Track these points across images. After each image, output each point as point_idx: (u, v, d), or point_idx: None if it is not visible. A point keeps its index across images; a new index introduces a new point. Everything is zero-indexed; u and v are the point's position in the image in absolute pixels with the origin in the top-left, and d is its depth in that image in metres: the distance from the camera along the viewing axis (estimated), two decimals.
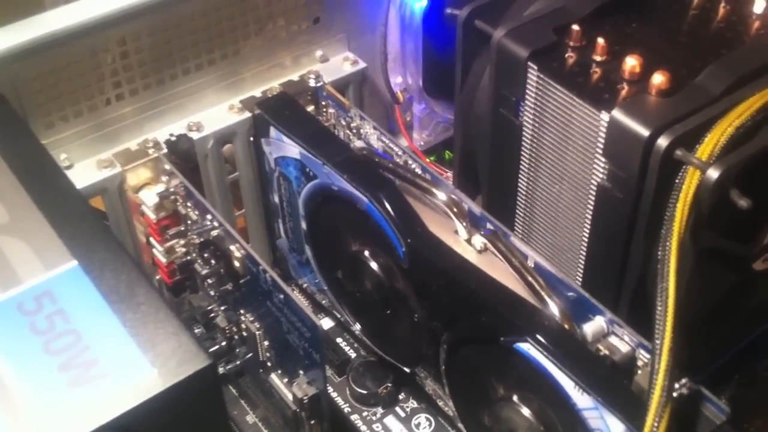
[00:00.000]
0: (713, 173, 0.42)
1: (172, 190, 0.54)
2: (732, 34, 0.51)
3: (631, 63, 0.48)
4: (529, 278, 0.44)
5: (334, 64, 0.65)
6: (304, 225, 0.56)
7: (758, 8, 0.52)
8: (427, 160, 0.69)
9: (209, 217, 0.52)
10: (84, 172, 0.55)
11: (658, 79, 0.46)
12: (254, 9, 0.60)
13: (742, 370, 0.52)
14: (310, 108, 0.60)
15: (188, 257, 0.56)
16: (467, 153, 0.60)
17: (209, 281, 0.54)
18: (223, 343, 0.55)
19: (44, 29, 0.51)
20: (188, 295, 0.58)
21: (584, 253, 0.51)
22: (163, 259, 0.56)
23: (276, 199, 0.59)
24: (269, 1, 0.60)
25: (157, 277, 0.57)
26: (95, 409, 0.34)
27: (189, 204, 0.53)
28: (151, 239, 0.56)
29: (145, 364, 0.36)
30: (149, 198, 0.54)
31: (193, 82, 0.59)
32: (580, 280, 0.52)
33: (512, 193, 0.55)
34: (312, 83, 0.60)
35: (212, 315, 0.55)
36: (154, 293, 0.39)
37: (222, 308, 0.55)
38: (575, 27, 0.50)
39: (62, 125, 0.55)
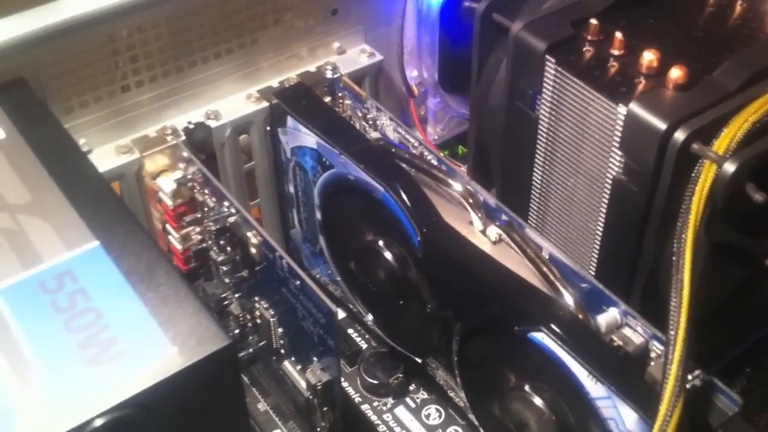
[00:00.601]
0: (729, 167, 0.42)
1: (189, 176, 0.55)
2: (748, 31, 0.52)
3: (649, 57, 0.48)
4: (544, 269, 0.45)
5: (351, 56, 0.65)
6: (318, 215, 0.56)
7: None
8: (441, 154, 0.69)
9: (226, 203, 0.52)
10: (102, 157, 0.55)
11: (676, 73, 0.46)
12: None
13: (753, 365, 0.52)
14: (327, 99, 0.60)
15: (204, 244, 0.56)
16: (481, 146, 0.61)
17: (224, 268, 0.55)
18: (236, 331, 0.55)
19: (64, 14, 0.52)
20: (202, 283, 0.58)
21: (598, 246, 0.51)
22: (178, 246, 0.56)
23: (291, 189, 0.59)
24: None
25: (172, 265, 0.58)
26: (115, 386, 0.35)
27: (206, 191, 0.54)
28: (167, 226, 0.57)
29: (165, 342, 0.36)
30: (166, 184, 0.55)
31: (212, 70, 0.59)
32: (594, 272, 0.52)
33: (527, 185, 0.55)
34: (329, 74, 0.61)
35: (226, 302, 0.56)
36: (175, 273, 0.40)
37: (236, 296, 0.55)
38: (593, 21, 0.51)
39: (82, 110, 0.55)
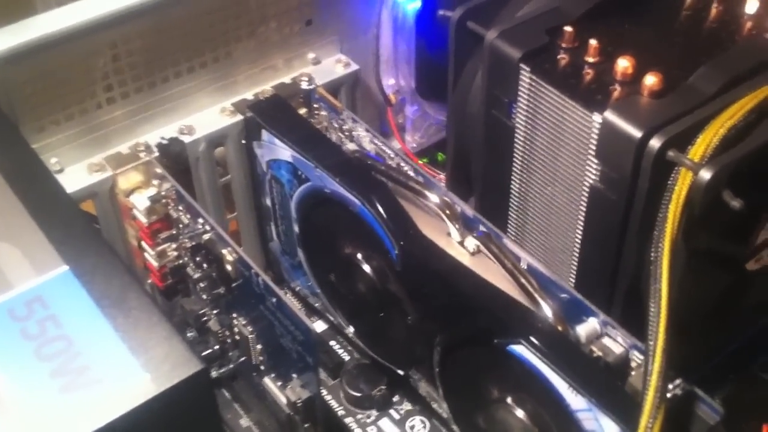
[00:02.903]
0: (705, 174, 0.42)
1: (163, 193, 0.54)
2: (724, 35, 0.51)
3: (624, 64, 0.47)
4: (522, 280, 0.44)
5: (327, 67, 0.65)
6: (296, 228, 0.56)
7: (750, 8, 0.52)
8: (420, 161, 0.69)
9: (201, 220, 0.51)
10: (75, 175, 0.55)
11: (651, 80, 0.46)
12: (246, 12, 0.59)
13: (736, 371, 0.52)
14: (303, 110, 0.60)
15: (180, 261, 0.56)
16: (460, 154, 0.60)
17: (201, 285, 0.54)
18: (216, 347, 0.55)
19: (36, 33, 0.51)
20: (180, 299, 0.58)
21: (577, 255, 0.51)
22: (154, 263, 0.55)
23: (268, 202, 0.59)
24: (261, 3, 0.60)
25: (149, 281, 0.57)
26: (88, 414, 0.34)
27: (180, 207, 0.53)
28: (143, 243, 0.56)
29: (137, 368, 0.36)
30: (140, 202, 0.54)
31: (185, 85, 0.59)
32: (574, 281, 0.52)
33: (505, 194, 0.55)
34: (304, 86, 0.60)
35: (205, 319, 0.55)
36: (146, 298, 0.39)
37: (215, 312, 0.55)
38: (568, 28, 0.50)
39: (53, 129, 0.55)
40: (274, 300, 0.47)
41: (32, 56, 0.51)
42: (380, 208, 0.48)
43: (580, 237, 0.50)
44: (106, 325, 0.37)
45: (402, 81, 0.67)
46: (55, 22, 0.52)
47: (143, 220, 0.54)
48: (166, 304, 0.57)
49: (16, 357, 0.36)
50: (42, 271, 0.40)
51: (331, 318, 0.58)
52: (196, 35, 0.58)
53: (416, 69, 0.67)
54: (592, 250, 0.50)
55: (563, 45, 0.50)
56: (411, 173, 0.52)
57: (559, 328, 0.42)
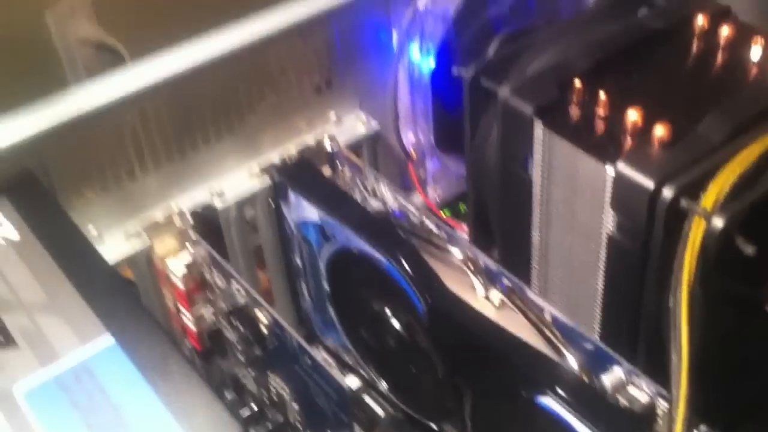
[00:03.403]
0: (718, 221, 0.43)
1: (198, 258, 0.56)
2: (730, 82, 0.53)
3: (633, 116, 0.49)
4: (547, 332, 0.46)
5: (348, 125, 0.67)
6: (326, 285, 0.58)
7: (755, 55, 0.54)
8: (443, 214, 0.71)
9: (235, 284, 0.53)
10: (112, 243, 0.57)
11: (660, 130, 0.48)
12: (269, 76, 0.62)
13: (763, 415, 0.52)
14: (327, 170, 0.62)
15: (216, 323, 0.58)
16: (481, 207, 0.62)
17: (238, 347, 0.56)
18: (255, 408, 0.56)
19: (70, 108, 0.54)
20: (218, 360, 0.59)
21: (600, 303, 0.52)
22: (192, 327, 0.57)
23: (298, 260, 0.61)
24: (283, 69, 0.63)
25: (188, 344, 0.59)
26: None
27: (215, 271, 0.55)
28: (180, 307, 0.58)
29: None
30: (177, 267, 0.56)
31: (214, 149, 0.61)
32: (598, 330, 0.53)
33: (526, 245, 0.57)
34: (327, 146, 0.62)
35: (242, 380, 0.57)
36: (187, 365, 0.41)
37: (252, 373, 0.56)
38: (577, 82, 0.52)
39: (90, 198, 0.57)
40: (308, 360, 0.48)
41: (66, 131, 0.54)
42: (406, 265, 0.49)
43: (601, 286, 0.51)
44: (150, 393, 0.39)
45: (421, 136, 0.69)
46: (87, 98, 0.55)
47: (180, 284, 0.56)
48: (205, 366, 0.59)
49: (67, 427, 0.38)
50: (87, 341, 0.42)
51: (364, 373, 0.60)
52: (221, 102, 0.60)
53: (434, 124, 0.69)
54: (613, 299, 0.51)
55: (574, 98, 0.52)
56: (434, 228, 0.54)
57: (585, 378, 0.44)
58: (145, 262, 0.58)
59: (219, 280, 0.55)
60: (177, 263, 0.56)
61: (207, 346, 0.58)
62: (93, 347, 0.42)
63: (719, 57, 0.55)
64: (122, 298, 0.45)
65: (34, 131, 0.53)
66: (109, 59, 1.11)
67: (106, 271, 0.47)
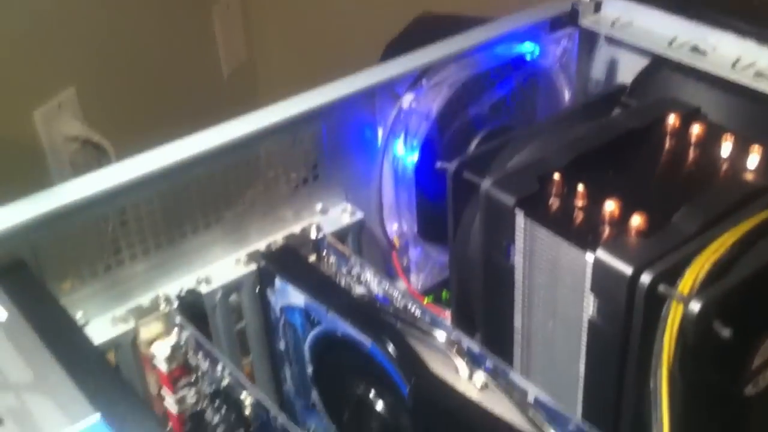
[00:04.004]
0: (695, 306, 0.45)
1: (183, 342, 0.56)
2: (702, 176, 0.56)
3: (610, 206, 0.51)
4: (530, 413, 0.46)
5: (334, 215, 0.69)
6: (309, 369, 0.58)
7: (725, 152, 0.57)
8: (425, 300, 0.72)
9: (220, 366, 0.54)
10: (99, 328, 0.57)
11: (637, 220, 0.50)
12: (258, 170, 0.64)
13: None
14: (312, 257, 0.63)
15: (199, 407, 0.57)
16: (463, 294, 0.63)
17: (220, 430, 0.56)
18: None
19: (60, 201, 0.55)
20: None
21: (582, 386, 0.53)
22: (174, 410, 0.57)
23: (282, 346, 0.61)
24: (272, 162, 0.65)
25: (169, 428, 0.59)
26: None
27: (199, 355, 0.56)
28: (163, 390, 0.58)
29: None
30: (161, 351, 0.56)
31: (202, 238, 0.62)
32: (580, 411, 0.54)
33: (509, 330, 0.58)
34: (313, 235, 0.64)
35: None
36: None
37: None
38: (556, 176, 0.54)
39: (78, 285, 0.58)
40: None
41: (56, 222, 0.55)
42: (390, 349, 0.50)
43: (583, 368, 0.52)
44: None
45: (405, 226, 0.71)
46: (76, 191, 0.56)
47: (163, 367, 0.56)
48: None
49: None
50: (75, 420, 0.42)
51: None
52: (211, 193, 0.62)
53: (417, 214, 0.71)
54: (595, 380, 0.52)
55: (553, 190, 0.54)
56: (418, 313, 0.55)
57: None
58: (130, 346, 0.58)
59: (203, 363, 0.55)
60: (161, 347, 0.57)
61: (188, 429, 0.57)
62: (81, 426, 0.42)
63: (691, 154, 0.58)
64: (109, 378, 0.45)
65: (25, 221, 0.54)
66: (94, 155, 1.13)
67: (93, 352, 0.48)
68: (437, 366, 0.50)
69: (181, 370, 0.57)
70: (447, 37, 0.71)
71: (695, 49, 0.70)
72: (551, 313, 0.54)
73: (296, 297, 0.57)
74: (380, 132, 0.69)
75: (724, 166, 0.56)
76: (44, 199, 0.55)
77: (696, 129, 0.58)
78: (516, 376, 0.49)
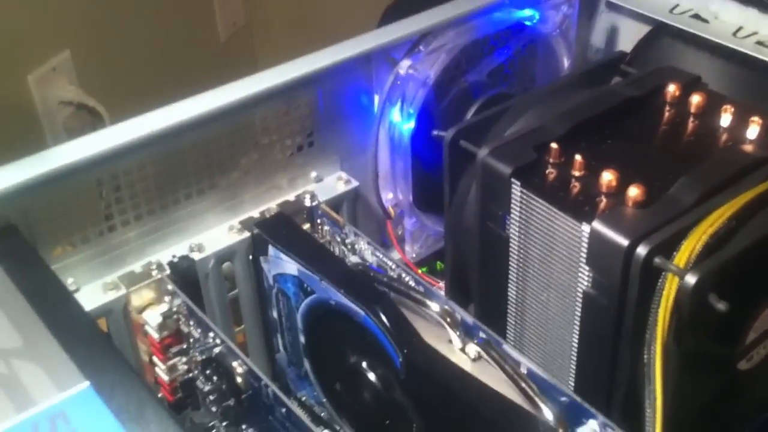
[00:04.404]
0: (691, 279, 0.44)
1: (174, 309, 0.56)
2: (701, 147, 0.55)
3: (608, 177, 0.51)
4: (523, 385, 0.46)
5: (328, 184, 0.68)
6: (302, 339, 0.58)
7: (725, 122, 0.56)
8: (419, 271, 0.71)
9: (212, 334, 0.53)
10: (90, 294, 0.57)
11: (634, 191, 0.49)
12: (253, 136, 0.63)
13: None
14: (306, 226, 0.63)
15: (190, 375, 0.57)
16: (458, 264, 0.63)
17: (211, 398, 0.55)
18: None
19: (52, 164, 0.54)
20: (189, 413, 0.59)
21: (575, 358, 0.53)
22: (165, 378, 0.57)
23: (274, 314, 0.61)
24: (267, 128, 0.64)
25: (159, 396, 0.59)
26: None
27: (191, 322, 0.55)
28: (154, 358, 0.58)
29: None
30: (153, 318, 0.56)
31: (195, 205, 0.62)
32: (573, 383, 0.54)
33: (502, 301, 0.57)
34: (307, 203, 0.63)
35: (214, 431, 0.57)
36: (163, 411, 0.41)
37: (223, 424, 0.56)
38: (554, 145, 0.54)
39: (70, 251, 0.57)
40: (283, 410, 0.48)
41: (48, 186, 0.54)
42: (383, 318, 0.50)
43: (576, 341, 0.52)
44: None
45: (400, 195, 0.71)
46: (69, 154, 0.55)
47: (155, 335, 0.56)
48: (175, 419, 0.58)
49: None
50: (64, 388, 0.41)
51: (338, 427, 0.60)
52: (205, 159, 0.61)
53: (413, 184, 0.70)
54: (588, 353, 0.52)
55: (550, 160, 0.54)
56: (412, 283, 0.55)
57: (561, 431, 0.44)
58: (121, 313, 0.57)
59: (195, 331, 0.55)
60: (153, 314, 0.56)
61: (178, 397, 0.57)
62: (69, 393, 0.41)
63: (690, 123, 0.57)
64: (100, 346, 0.45)
65: (16, 185, 0.53)
66: (89, 120, 1.12)
67: (83, 319, 0.47)
68: (430, 337, 0.50)
69: (173, 337, 0.57)
70: (445, 2, 0.70)
71: (697, 17, 0.69)
72: (546, 284, 0.53)
73: (289, 265, 0.56)
74: (376, 99, 0.69)
75: (724, 137, 0.55)
76: (35, 163, 0.54)
77: (696, 98, 0.57)
78: (509, 348, 0.48)
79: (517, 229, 0.54)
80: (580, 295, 0.50)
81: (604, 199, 0.50)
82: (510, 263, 0.56)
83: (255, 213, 0.64)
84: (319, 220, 0.63)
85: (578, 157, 0.52)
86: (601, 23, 0.77)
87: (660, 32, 0.71)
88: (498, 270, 0.56)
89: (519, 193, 0.53)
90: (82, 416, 0.40)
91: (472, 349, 0.50)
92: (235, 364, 0.52)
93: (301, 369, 0.60)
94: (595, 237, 0.48)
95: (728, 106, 0.56)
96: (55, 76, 1.08)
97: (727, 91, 0.61)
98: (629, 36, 0.74)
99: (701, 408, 0.50)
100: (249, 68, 0.64)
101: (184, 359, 0.57)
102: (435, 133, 0.60)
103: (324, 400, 0.59)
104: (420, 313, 0.53)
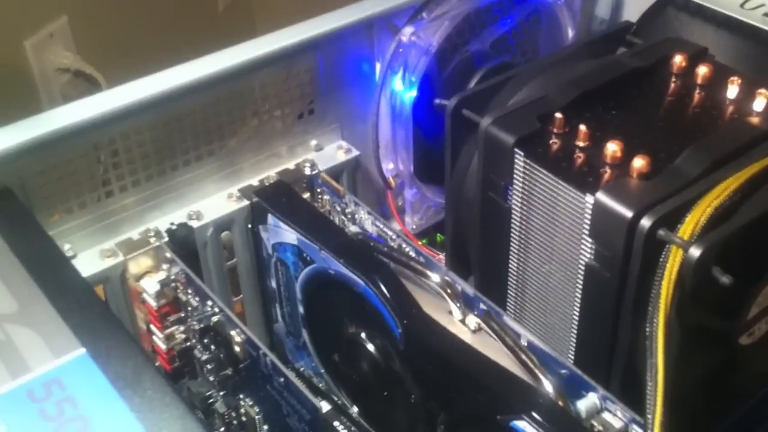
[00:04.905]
0: (695, 251, 0.44)
1: (173, 277, 0.56)
2: (707, 119, 0.54)
3: (612, 148, 0.50)
4: (523, 357, 0.46)
5: (329, 153, 0.67)
6: (301, 309, 0.57)
7: (731, 94, 0.55)
8: (419, 243, 0.71)
9: (210, 303, 0.53)
10: (87, 261, 0.56)
11: (639, 162, 0.48)
12: (252, 103, 0.62)
13: None
14: (306, 195, 0.62)
15: (188, 343, 0.57)
16: (458, 235, 0.62)
17: (209, 367, 0.55)
18: (222, 429, 0.55)
19: (48, 127, 0.54)
20: (187, 382, 0.59)
21: (575, 331, 0.52)
22: (163, 346, 0.57)
23: (273, 284, 0.60)
24: (266, 94, 0.63)
25: (156, 364, 0.58)
26: None
27: (189, 291, 0.55)
28: (152, 326, 0.57)
29: None
30: (150, 286, 0.56)
31: (193, 172, 0.61)
32: (573, 357, 0.53)
33: (503, 273, 0.57)
34: (307, 171, 0.63)
35: (211, 401, 0.56)
36: (160, 378, 0.40)
37: (221, 394, 0.56)
38: (558, 115, 0.53)
39: (67, 216, 0.57)
40: (281, 379, 0.48)
41: (45, 149, 0.54)
42: (383, 288, 0.49)
43: (577, 313, 0.52)
44: (122, 405, 0.39)
45: (401, 165, 0.70)
46: (66, 117, 0.54)
47: (153, 303, 0.56)
48: (172, 387, 0.58)
49: None
50: (59, 354, 0.41)
51: (336, 398, 0.59)
52: (203, 125, 0.60)
53: (414, 154, 0.69)
54: (589, 326, 0.51)
55: (554, 130, 0.53)
56: (412, 254, 0.54)
57: (560, 403, 0.43)
58: (119, 280, 0.57)
59: (193, 300, 0.54)
60: (151, 282, 0.56)
61: (176, 366, 0.57)
62: (65, 359, 0.41)
63: (696, 95, 0.56)
64: (96, 313, 0.44)
65: (11, 148, 0.52)
66: (86, 87, 1.11)
67: (80, 285, 0.47)
68: (430, 307, 0.49)
69: (171, 306, 0.56)
70: None
71: None
72: (548, 256, 0.53)
73: (289, 234, 0.56)
74: (378, 67, 0.68)
75: (730, 109, 0.55)
76: (31, 126, 0.53)
77: (702, 70, 0.56)
78: (509, 320, 0.48)
79: (520, 199, 0.53)
80: (582, 267, 0.50)
81: (608, 170, 0.50)
82: (512, 234, 0.55)
83: (254, 181, 0.64)
84: (318, 189, 0.62)
85: (582, 128, 0.52)
86: None
87: (666, 3, 0.69)
88: (499, 241, 0.56)
89: (522, 164, 0.52)
90: (77, 383, 0.40)
91: (472, 320, 0.49)
92: (233, 333, 0.51)
93: (299, 339, 0.60)
94: (599, 208, 0.48)
95: (735, 78, 0.55)
96: (52, 42, 1.07)
97: (734, 62, 0.60)
98: (635, 6, 0.73)
99: (702, 382, 0.49)
100: (248, 37, 0.63)
101: (182, 328, 0.57)
102: (437, 101, 0.60)
103: (322, 370, 0.58)
104: (420, 284, 0.52)
